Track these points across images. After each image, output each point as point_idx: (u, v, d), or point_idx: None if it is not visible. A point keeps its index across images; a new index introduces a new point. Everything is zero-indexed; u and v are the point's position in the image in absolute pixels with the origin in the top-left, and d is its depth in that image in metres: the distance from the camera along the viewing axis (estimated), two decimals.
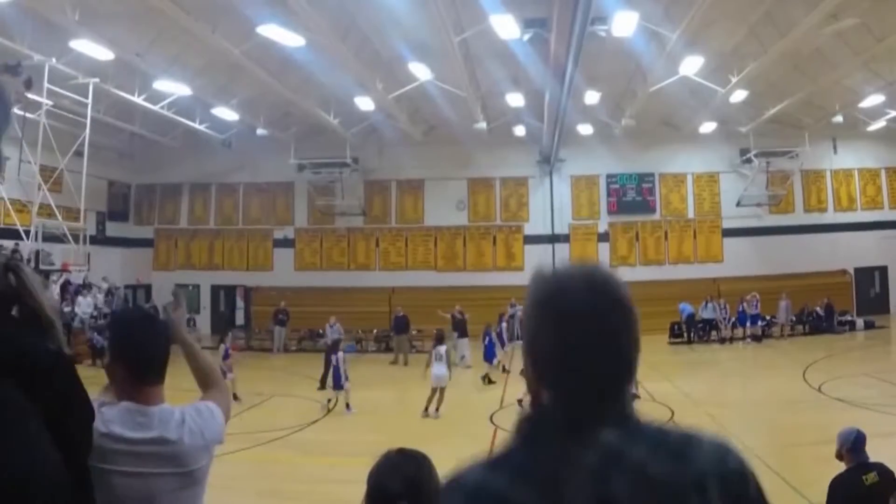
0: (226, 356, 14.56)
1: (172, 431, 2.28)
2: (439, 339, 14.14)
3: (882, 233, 25.94)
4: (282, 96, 19.72)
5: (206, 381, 2.69)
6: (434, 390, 13.09)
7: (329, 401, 13.72)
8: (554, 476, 1.14)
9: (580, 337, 1.19)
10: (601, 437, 1.16)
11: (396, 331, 21.59)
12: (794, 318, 23.69)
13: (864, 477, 4.49)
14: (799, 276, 24.90)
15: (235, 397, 14.00)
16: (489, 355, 17.27)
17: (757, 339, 22.37)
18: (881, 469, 4.54)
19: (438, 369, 13.13)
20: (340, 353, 13.83)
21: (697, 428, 1.26)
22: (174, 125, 23.14)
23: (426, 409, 13.04)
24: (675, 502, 1.14)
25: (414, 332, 21.98)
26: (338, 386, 13.52)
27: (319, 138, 25.17)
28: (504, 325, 19.75)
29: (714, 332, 22.79)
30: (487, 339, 17.52)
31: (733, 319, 22.97)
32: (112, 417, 2.27)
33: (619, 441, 1.16)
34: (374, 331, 24.07)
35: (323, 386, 14.94)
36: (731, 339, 22.55)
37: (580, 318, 1.20)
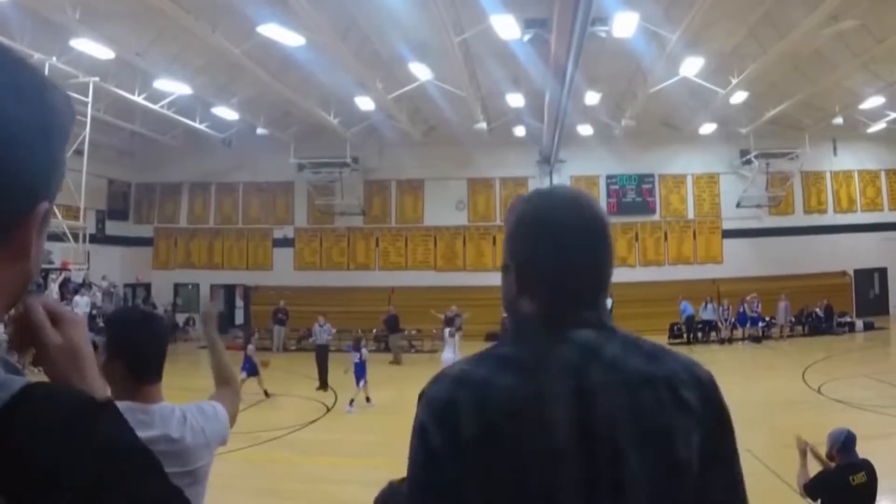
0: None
1: (175, 430, 2.27)
2: (449, 322, 14.39)
3: (882, 234, 25.95)
4: (282, 96, 19.72)
5: (221, 379, 2.75)
6: None
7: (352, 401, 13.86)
8: (534, 365, 1.23)
9: (562, 247, 1.29)
10: (580, 335, 1.26)
11: (390, 330, 21.66)
12: (793, 319, 23.69)
13: (851, 477, 4.51)
14: (798, 277, 24.91)
15: (266, 394, 14.39)
16: None
17: (756, 340, 22.38)
18: (869, 469, 4.56)
19: (447, 353, 12.96)
20: (364, 350, 14.16)
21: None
22: (174, 124, 23.13)
23: None
24: (647, 394, 1.22)
25: (414, 332, 21.98)
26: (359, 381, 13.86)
27: (319, 138, 25.17)
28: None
29: (713, 334, 22.78)
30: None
31: (733, 320, 22.96)
32: None
33: (596, 339, 1.26)
34: (374, 331, 24.04)
35: (324, 386, 14.91)
36: (731, 340, 22.53)
37: (563, 230, 1.30)
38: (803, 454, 4.97)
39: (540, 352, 1.24)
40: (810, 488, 4.71)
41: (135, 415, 2.26)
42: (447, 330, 14.14)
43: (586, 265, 1.30)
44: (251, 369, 14.25)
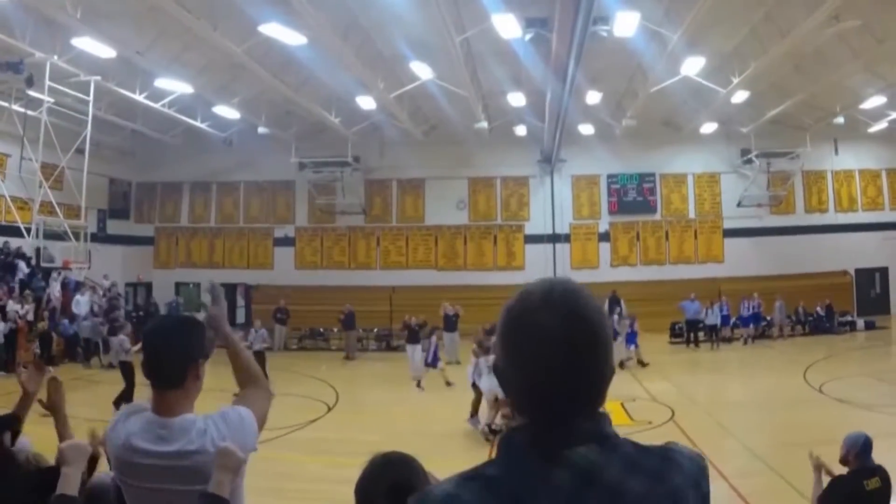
0: None
1: (193, 442, 2.21)
2: (410, 330, 15.34)
3: (883, 234, 25.95)
4: (283, 95, 19.72)
5: (246, 379, 2.57)
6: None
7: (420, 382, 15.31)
8: (523, 495, 1.13)
9: (542, 363, 1.18)
10: (573, 456, 1.15)
11: (345, 326, 22.08)
12: (792, 318, 23.68)
13: (865, 482, 4.43)
14: (799, 276, 24.91)
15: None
16: None
17: (753, 339, 22.16)
18: (883, 474, 4.48)
19: (488, 382, 11.17)
20: (433, 338, 15.64)
21: (673, 444, 1.28)
22: (175, 123, 23.14)
23: (479, 420, 11.42)
24: None
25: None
26: (433, 364, 15.28)
27: (320, 137, 25.18)
28: None
29: (713, 335, 22.50)
30: None
31: (734, 320, 22.88)
32: (134, 429, 2.25)
33: (592, 460, 1.15)
34: (375, 329, 24.07)
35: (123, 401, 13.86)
36: (731, 340, 22.48)
37: (542, 344, 1.18)
38: (817, 470, 4.81)
39: (530, 478, 1.14)
40: (824, 499, 4.62)
41: (154, 428, 2.24)
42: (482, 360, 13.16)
43: (579, 380, 1.18)
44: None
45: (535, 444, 1.17)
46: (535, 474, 1.14)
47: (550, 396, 1.18)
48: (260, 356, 13.93)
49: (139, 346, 14.04)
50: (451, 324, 19.62)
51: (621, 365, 17.40)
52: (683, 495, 1.18)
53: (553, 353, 1.17)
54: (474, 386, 11.42)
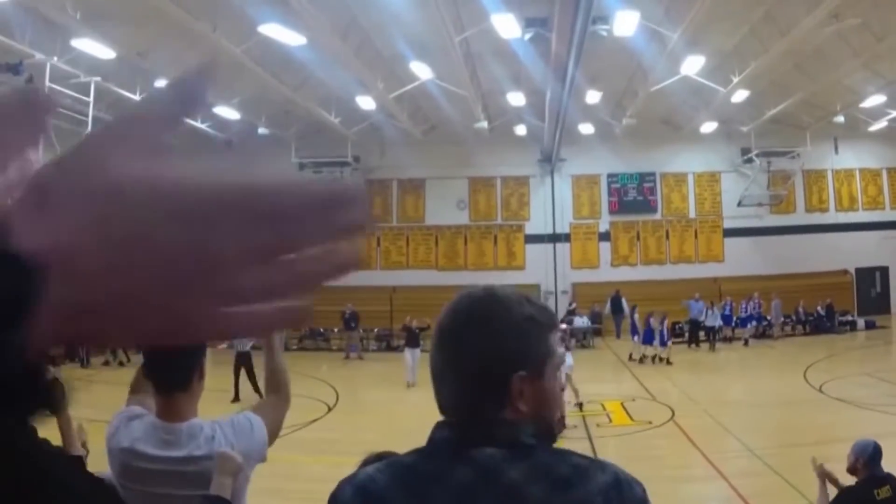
0: None
1: (201, 447, 2.18)
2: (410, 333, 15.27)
3: (883, 233, 25.93)
4: (283, 95, 19.72)
5: (272, 384, 2.55)
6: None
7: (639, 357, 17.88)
8: (428, 484, 1.20)
9: (446, 365, 1.27)
10: (479, 456, 1.19)
11: (347, 327, 22.10)
12: (793, 318, 23.67)
13: (876, 492, 4.34)
14: (800, 276, 24.90)
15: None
16: None
17: (748, 341, 22.03)
18: (894, 483, 4.37)
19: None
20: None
21: (606, 463, 1.24)
22: None
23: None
24: None
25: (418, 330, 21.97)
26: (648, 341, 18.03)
27: (320, 137, 25.17)
28: None
29: (710, 336, 22.37)
30: None
31: (735, 319, 22.84)
32: (139, 434, 2.22)
33: (495, 461, 1.18)
34: (375, 329, 24.07)
35: (237, 397, 13.83)
36: (731, 339, 22.45)
37: (447, 349, 1.27)
38: (821, 478, 4.69)
39: (438, 470, 1.20)
40: None
41: (158, 433, 2.21)
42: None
43: (491, 380, 1.22)
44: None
45: (450, 441, 1.24)
46: (441, 468, 1.20)
47: (464, 402, 1.25)
48: (246, 357, 13.71)
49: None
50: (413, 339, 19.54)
51: (641, 360, 18.87)
52: (595, 502, 1.15)
53: (469, 362, 1.24)
54: None
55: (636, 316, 19.12)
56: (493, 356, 1.23)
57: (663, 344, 18.60)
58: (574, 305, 25.18)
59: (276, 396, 2.52)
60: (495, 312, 1.26)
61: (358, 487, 1.24)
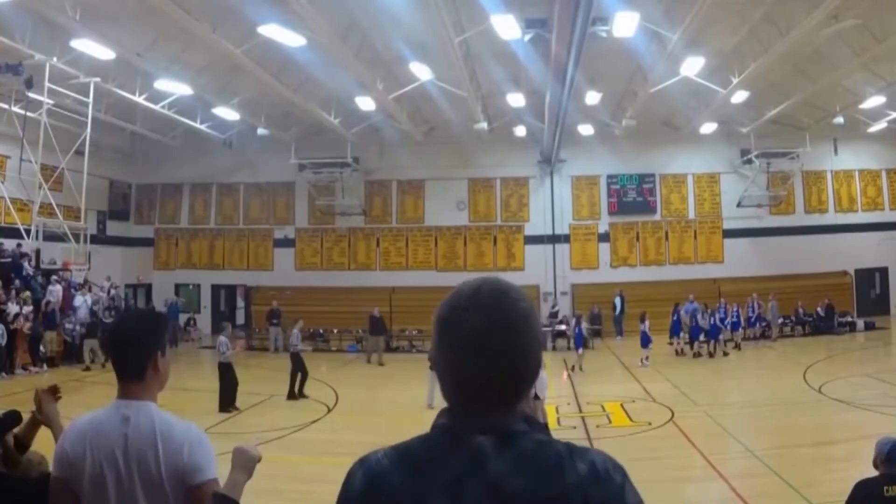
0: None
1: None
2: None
3: (882, 234, 25.96)
4: (282, 96, 19.72)
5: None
6: None
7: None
8: (425, 469, 1.27)
9: (460, 355, 1.30)
10: (475, 443, 1.26)
11: (372, 332, 21.49)
12: (792, 319, 23.64)
13: (886, 488, 4.42)
14: (799, 276, 24.92)
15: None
16: None
17: (740, 344, 21.88)
18: None
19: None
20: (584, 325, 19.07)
21: (587, 451, 1.29)
22: (175, 125, 23.15)
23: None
24: None
25: (415, 332, 21.99)
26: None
27: (320, 138, 25.18)
28: None
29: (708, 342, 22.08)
30: None
31: (733, 321, 22.72)
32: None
33: (485, 449, 1.26)
34: (359, 330, 23.98)
35: (295, 394, 14.34)
36: (737, 344, 22.29)
37: (469, 337, 1.29)
38: None
39: (435, 456, 1.28)
40: (849, 502, 4.61)
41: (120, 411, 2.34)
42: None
43: (492, 371, 1.28)
44: None
45: (447, 429, 1.31)
46: (438, 454, 1.28)
47: (464, 388, 1.31)
48: (227, 368, 13.43)
49: (237, 347, 13.80)
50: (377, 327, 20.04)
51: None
52: (575, 495, 1.22)
53: (470, 350, 1.29)
54: None
55: (647, 322, 19.08)
56: (514, 350, 1.31)
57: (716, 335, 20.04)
58: (557, 308, 24.92)
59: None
60: (515, 305, 1.33)
61: (367, 468, 1.34)
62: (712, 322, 20.31)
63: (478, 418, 1.29)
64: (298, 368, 14.65)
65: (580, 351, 18.79)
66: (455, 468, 1.25)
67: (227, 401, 13.10)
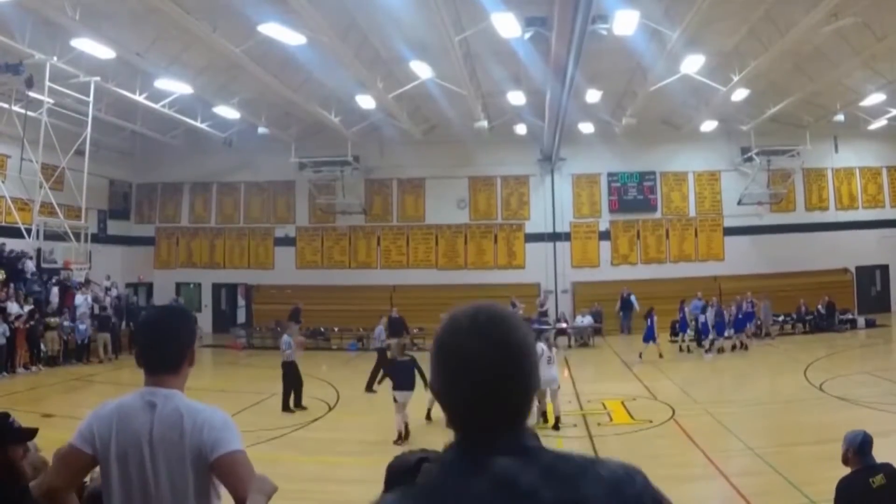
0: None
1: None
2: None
3: (883, 231, 25.95)
4: (283, 95, 19.72)
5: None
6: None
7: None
8: (448, 501, 1.24)
9: (467, 384, 1.30)
10: (493, 467, 1.25)
11: (393, 333, 20.94)
12: (793, 317, 23.63)
13: (871, 479, 4.40)
14: (800, 274, 24.91)
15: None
16: None
17: (736, 346, 21.80)
18: (888, 471, 4.44)
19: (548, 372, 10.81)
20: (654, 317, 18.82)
21: (606, 462, 1.32)
22: (175, 124, 23.15)
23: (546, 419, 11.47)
24: None
25: (415, 331, 21.94)
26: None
27: (320, 137, 25.19)
28: None
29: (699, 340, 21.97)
30: None
31: (731, 318, 22.68)
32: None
33: (509, 470, 1.25)
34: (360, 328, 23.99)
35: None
36: (744, 345, 22.20)
37: (469, 362, 1.29)
38: None
39: (455, 487, 1.26)
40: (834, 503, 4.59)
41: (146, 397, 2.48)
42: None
43: (500, 400, 1.30)
44: None
45: (462, 457, 1.29)
46: (458, 484, 1.25)
47: (475, 414, 1.30)
48: (290, 367, 13.17)
49: (299, 347, 13.34)
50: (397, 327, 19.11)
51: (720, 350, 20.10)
52: (607, 498, 1.24)
53: (477, 376, 1.29)
54: None
55: (654, 318, 19.05)
56: (516, 371, 1.32)
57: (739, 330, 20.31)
58: (546, 307, 24.12)
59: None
60: (513, 330, 1.34)
61: None
62: (717, 320, 20.30)
63: (494, 441, 1.28)
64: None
65: (652, 343, 18.69)
66: (483, 494, 1.23)
67: (291, 400, 12.85)
